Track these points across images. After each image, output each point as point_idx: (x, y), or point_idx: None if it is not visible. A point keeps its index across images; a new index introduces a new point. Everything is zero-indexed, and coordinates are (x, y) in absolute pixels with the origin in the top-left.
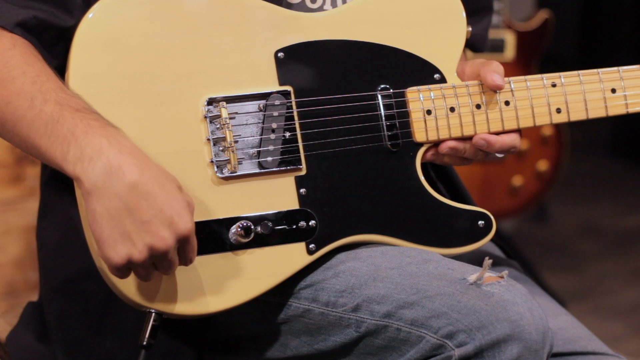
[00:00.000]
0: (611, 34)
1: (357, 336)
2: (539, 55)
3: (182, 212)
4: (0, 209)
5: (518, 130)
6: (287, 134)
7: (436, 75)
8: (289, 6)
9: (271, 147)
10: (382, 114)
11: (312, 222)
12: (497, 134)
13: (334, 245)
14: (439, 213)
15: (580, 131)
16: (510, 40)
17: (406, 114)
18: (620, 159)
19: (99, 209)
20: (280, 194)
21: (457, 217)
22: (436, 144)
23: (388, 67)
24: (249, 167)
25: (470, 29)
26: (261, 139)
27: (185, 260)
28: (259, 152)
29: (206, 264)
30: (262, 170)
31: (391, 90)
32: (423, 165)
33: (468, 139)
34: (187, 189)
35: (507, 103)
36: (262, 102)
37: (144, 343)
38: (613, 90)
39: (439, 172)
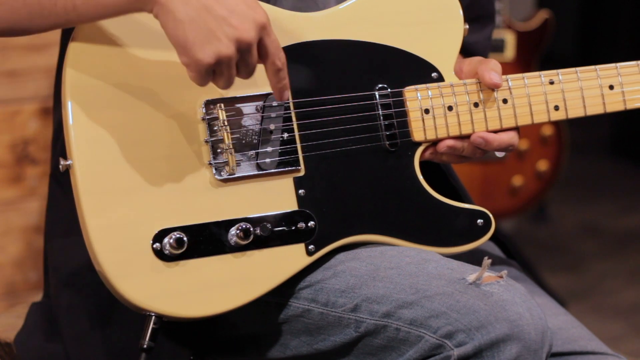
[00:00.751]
0: (611, 34)
1: (356, 336)
2: (539, 55)
3: (254, 5)
4: (0, 209)
5: (516, 128)
6: (285, 135)
7: (434, 74)
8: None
9: (269, 149)
10: (380, 113)
11: (311, 223)
12: (495, 132)
13: (333, 245)
14: (438, 212)
15: (580, 131)
16: (510, 40)
17: (404, 114)
18: (620, 158)
19: (179, 16)
20: (279, 195)
21: (456, 216)
22: (434, 142)
23: (385, 67)
24: (248, 168)
25: (467, 26)
26: (259, 140)
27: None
28: (257, 153)
29: (205, 266)
30: (261, 172)
31: (389, 90)
32: (422, 164)
33: (466, 137)
34: (185, 192)
35: (505, 101)
36: (260, 104)
37: (144, 346)
38: (611, 87)
39: (438, 171)
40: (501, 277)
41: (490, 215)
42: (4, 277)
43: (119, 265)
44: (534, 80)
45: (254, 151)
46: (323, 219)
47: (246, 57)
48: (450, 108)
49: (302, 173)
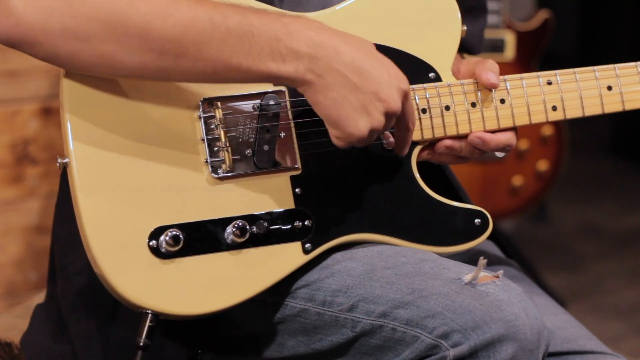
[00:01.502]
0: (611, 34)
1: (352, 336)
2: (539, 55)
3: (396, 72)
4: (0, 209)
5: (514, 129)
6: (282, 134)
7: (431, 74)
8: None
9: (266, 147)
10: None
11: (307, 222)
12: (493, 132)
13: (330, 244)
14: (435, 211)
15: (580, 131)
16: (510, 40)
17: None
18: (620, 158)
19: (333, 95)
20: (275, 194)
21: (454, 215)
22: (432, 143)
23: None
24: (244, 167)
25: (465, 27)
26: (256, 138)
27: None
28: (253, 151)
29: (202, 264)
30: (257, 170)
31: None
32: (419, 164)
33: (464, 137)
34: (182, 189)
35: (502, 101)
36: (257, 102)
37: (141, 344)
38: (609, 88)
39: (436, 171)
40: (497, 277)
41: (488, 215)
42: (4, 277)
43: (115, 262)
44: (532, 81)
45: (250, 149)
46: (320, 217)
47: (391, 122)
48: (447, 108)
49: (298, 172)
